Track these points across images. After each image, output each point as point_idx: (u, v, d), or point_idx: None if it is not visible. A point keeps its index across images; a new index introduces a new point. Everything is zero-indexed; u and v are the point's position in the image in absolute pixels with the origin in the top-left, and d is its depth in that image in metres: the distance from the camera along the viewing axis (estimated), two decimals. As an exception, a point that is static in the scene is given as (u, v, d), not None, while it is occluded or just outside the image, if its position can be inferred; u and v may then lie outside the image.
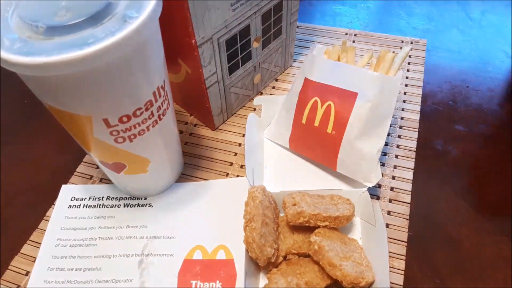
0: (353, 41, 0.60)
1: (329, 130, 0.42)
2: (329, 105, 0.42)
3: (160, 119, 0.37)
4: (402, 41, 0.59)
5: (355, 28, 0.62)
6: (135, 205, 0.45)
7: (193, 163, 0.48)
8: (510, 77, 0.54)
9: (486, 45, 0.59)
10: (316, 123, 0.43)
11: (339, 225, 0.37)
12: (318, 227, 0.37)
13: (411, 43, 0.59)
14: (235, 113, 0.52)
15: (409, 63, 0.56)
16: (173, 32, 0.39)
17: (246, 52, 0.46)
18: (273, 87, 0.55)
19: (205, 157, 0.48)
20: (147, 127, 0.35)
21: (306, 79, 0.44)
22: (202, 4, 0.37)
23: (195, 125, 0.52)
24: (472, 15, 0.63)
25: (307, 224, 0.37)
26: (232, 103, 0.50)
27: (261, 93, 0.54)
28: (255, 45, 0.47)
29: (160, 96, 0.35)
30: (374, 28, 0.62)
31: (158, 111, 0.36)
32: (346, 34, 0.61)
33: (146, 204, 0.45)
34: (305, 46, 0.60)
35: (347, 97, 0.41)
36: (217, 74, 0.44)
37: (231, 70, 0.46)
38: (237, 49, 0.45)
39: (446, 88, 0.54)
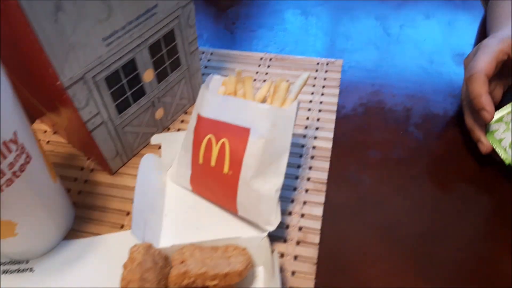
0: (268, 66, 0.57)
1: (225, 170, 0.38)
2: (223, 142, 0.38)
3: (18, 176, 0.32)
4: (318, 63, 0.57)
5: (271, 52, 0.59)
6: (15, 270, 0.39)
7: (85, 215, 0.43)
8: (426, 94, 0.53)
9: (403, 61, 0.57)
10: (213, 163, 0.39)
11: (231, 283, 0.33)
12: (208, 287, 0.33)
13: (327, 64, 0.57)
14: (137, 154, 0.48)
15: (324, 87, 0.54)
16: (37, 74, 0.34)
17: (137, 88, 0.42)
18: (182, 121, 0.51)
19: (99, 206, 0.43)
20: (-3, 188, 0.30)
21: (198, 116, 0.40)
22: (62, 43, 0.32)
23: (91, 171, 0.47)
24: (390, 31, 0.62)
25: (194, 286, 0.33)
26: (130, 143, 0.46)
27: (168, 129, 0.50)
28: (147, 79, 0.43)
29: (10, 151, 0.30)
30: (290, 51, 0.59)
31: (11, 168, 0.31)
32: (262, 58, 0.58)
33: (27, 269, 0.39)
34: (219, 74, 0.56)
35: (240, 134, 0.37)
36: (101, 115, 0.40)
37: (120, 108, 0.42)
38: (123, 86, 0.40)
39: (361, 111, 0.51)
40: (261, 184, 0.37)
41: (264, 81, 0.55)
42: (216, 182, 0.40)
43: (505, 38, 0.43)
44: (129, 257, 0.34)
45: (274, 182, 0.37)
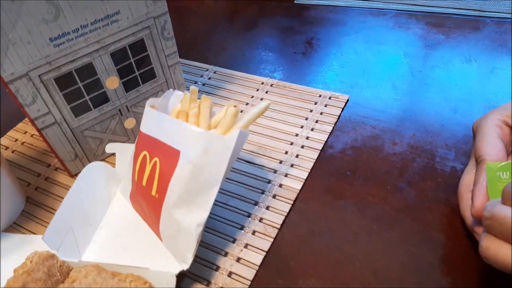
0: (266, 92, 0.53)
1: (153, 192, 0.35)
2: (155, 162, 0.35)
3: None
4: (320, 96, 0.51)
5: (276, 78, 0.55)
6: (-50, 252, 0.40)
7: (32, 212, 0.42)
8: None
9: (420, 106, 0.49)
10: (144, 182, 0.36)
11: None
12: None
13: (330, 98, 0.51)
14: (104, 160, 0.46)
15: (317, 121, 0.48)
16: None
17: (97, 93, 0.41)
18: (160, 135, 0.49)
19: (47, 206, 0.43)
20: None
21: (140, 131, 0.38)
22: (-3, 36, 0.32)
23: (56, 169, 0.46)
24: (416, 71, 0.54)
25: (73, 310, 0.30)
26: (92, 148, 0.45)
27: (143, 140, 0.48)
28: (111, 86, 0.42)
29: None
30: (297, 79, 0.55)
31: None
32: (262, 83, 0.55)
33: (-41, 253, 0.39)
34: (214, 93, 0.54)
35: (171, 155, 0.34)
36: (52, 114, 0.39)
37: (77, 111, 0.41)
38: (79, 89, 0.40)
39: (349, 155, 0.44)
40: (183, 214, 0.33)
41: (256, 106, 0.51)
42: (146, 203, 0.37)
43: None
44: (22, 263, 0.32)
45: (197, 215, 0.33)
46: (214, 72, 0.57)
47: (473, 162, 0.35)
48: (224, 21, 0.70)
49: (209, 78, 0.56)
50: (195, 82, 0.56)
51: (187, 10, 0.74)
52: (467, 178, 0.35)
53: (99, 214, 0.41)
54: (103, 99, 0.42)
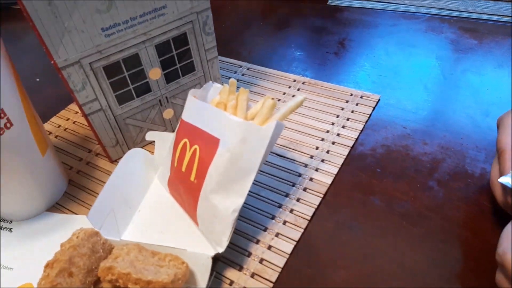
0: (298, 89, 0.54)
1: (192, 177, 0.37)
2: (195, 149, 0.37)
3: (-6, 138, 0.35)
4: (352, 94, 0.52)
5: (308, 76, 0.56)
6: (-1, 227, 0.43)
7: (74, 194, 0.45)
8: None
9: (452, 108, 0.50)
10: (183, 168, 0.38)
11: (151, 291, 0.31)
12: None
13: (361, 97, 0.52)
14: (143, 148, 0.49)
15: (348, 119, 0.49)
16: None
17: (140, 83, 0.43)
18: (194, 126, 0.51)
19: (88, 189, 0.45)
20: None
21: (181, 119, 0.39)
22: (55, 24, 0.35)
23: (96, 155, 0.49)
24: (448, 74, 0.55)
25: (117, 284, 0.32)
26: (132, 136, 0.47)
27: (179, 131, 0.50)
28: (154, 77, 0.44)
29: (-14, 113, 0.33)
30: (329, 78, 0.56)
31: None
32: (295, 81, 0.56)
33: (7, 228, 0.42)
34: (247, 88, 0.55)
35: (211, 143, 0.36)
36: (99, 101, 0.42)
37: (121, 100, 0.43)
38: (125, 78, 0.42)
39: (380, 153, 0.45)
40: (220, 200, 0.35)
41: (288, 103, 0.52)
42: (184, 188, 0.38)
43: None
44: (69, 238, 0.34)
45: (233, 201, 0.35)
46: (248, 69, 0.59)
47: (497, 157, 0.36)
48: (258, 20, 0.72)
49: (243, 75, 0.58)
50: (229, 78, 0.58)
51: (222, 8, 0.76)
52: (495, 169, 0.36)
53: (138, 198, 0.43)
54: (146, 89, 0.44)
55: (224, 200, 0.35)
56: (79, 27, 0.36)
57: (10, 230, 0.42)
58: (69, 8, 0.35)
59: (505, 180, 0.33)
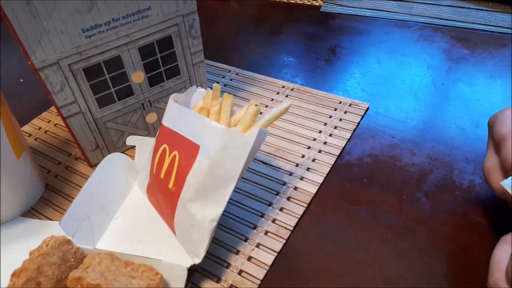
0: (286, 95, 0.53)
1: (170, 185, 0.36)
2: (175, 155, 0.36)
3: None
4: (340, 102, 0.51)
5: (297, 83, 0.56)
6: (-31, 231, 0.41)
7: (50, 198, 0.43)
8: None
9: (442, 118, 0.49)
10: (162, 175, 0.37)
11: (120, 304, 0.30)
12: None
13: (350, 105, 0.51)
14: (123, 152, 0.47)
15: (335, 127, 0.48)
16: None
17: (122, 86, 0.42)
18: (179, 131, 0.50)
19: (65, 194, 0.44)
20: None
21: (161, 124, 0.38)
22: (33, 24, 0.34)
23: (76, 159, 0.47)
24: (439, 83, 0.54)
25: (86, 294, 0.30)
26: (113, 140, 0.45)
27: (163, 136, 0.49)
28: (137, 80, 0.42)
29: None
30: (318, 85, 0.55)
31: (-45, 130, 0.32)
32: (283, 87, 0.55)
33: (-22, 233, 0.41)
34: (235, 94, 0.54)
35: (190, 150, 0.35)
36: (78, 104, 0.40)
37: (102, 103, 0.42)
38: (106, 81, 0.41)
39: (367, 162, 0.44)
40: (198, 209, 0.34)
41: (276, 109, 0.51)
42: (162, 195, 0.37)
43: None
44: (38, 246, 0.33)
45: (212, 210, 0.33)
46: (236, 74, 0.58)
47: (491, 151, 0.35)
48: (249, 25, 0.71)
49: (231, 79, 0.57)
50: (217, 83, 0.57)
51: (213, 12, 0.75)
52: (491, 160, 0.35)
53: (116, 204, 0.41)
54: (128, 92, 0.43)
55: (203, 209, 0.34)
56: (58, 27, 0.35)
57: (-18, 235, 0.40)
58: (48, 8, 0.33)
59: (507, 184, 0.31)
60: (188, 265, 0.33)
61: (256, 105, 0.35)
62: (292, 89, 0.54)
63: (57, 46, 0.36)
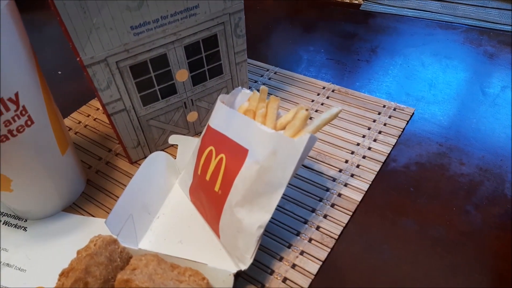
0: (327, 97, 0.52)
1: (216, 188, 0.35)
2: (221, 158, 0.35)
3: (14, 136, 0.33)
4: (384, 106, 0.50)
5: (337, 84, 0.54)
6: (13, 225, 0.41)
7: (91, 194, 0.43)
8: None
9: (491, 127, 0.47)
10: (208, 177, 0.36)
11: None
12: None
13: (394, 109, 0.49)
14: (163, 150, 0.47)
15: (380, 132, 0.47)
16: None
17: (166, 85, 0.41)
18: (218, 131, 0.49)
19: (106, 190, 0.44)
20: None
21: (208, 125, 0.38)
22: (83, 20, 0.33)
23: (116, 155, 0.47)
24: (487, 90, 0.52)
25: (134, 297, 0.30)
26: (154, 138, 0.45)
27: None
28: (180, 78, 0.42)
29: (7, 110, 0.32)
30: (360, 87, 0.53)
31: (7, 126, 0.32)
32: (324, 88, 0.54)
33: (22, 227, 0.41)
34: (274, 94, 0.53)
35: (238, 153, 0.34)
36: (123, 101, 0.40)
37: (146, 100, 0.41)
38: (151, 79, 0.40)
39: (413, 171, 0.43)
40: (245, 214, 0.33)
41: (317, 111, 0.50)
42: (207, 198, 0.37)
43: None
44: (86, 245, 0.33)
45: (259, 216, 0.33)
46: (275, 73, 0.57)
47: None
48: (285, 22, 0.69)
49: (269, 79, 0.56)
50: (256, 82, 0.56)
51: (248, 8, 0.74)
52: None
53: (158, 204, 0.41)
54: (171, 90, 0.42)
55: (249, 215, 0.33)
56: (107, 24, 0.34)
57: (25, 229, 0.41)
58: (98, 4, 0.33)
59: None
60: (234, 271, 0.32)
61: (306, 109, 0.34)
62: (333, 90, 0.53)
63: (105, 43, 0.35)
